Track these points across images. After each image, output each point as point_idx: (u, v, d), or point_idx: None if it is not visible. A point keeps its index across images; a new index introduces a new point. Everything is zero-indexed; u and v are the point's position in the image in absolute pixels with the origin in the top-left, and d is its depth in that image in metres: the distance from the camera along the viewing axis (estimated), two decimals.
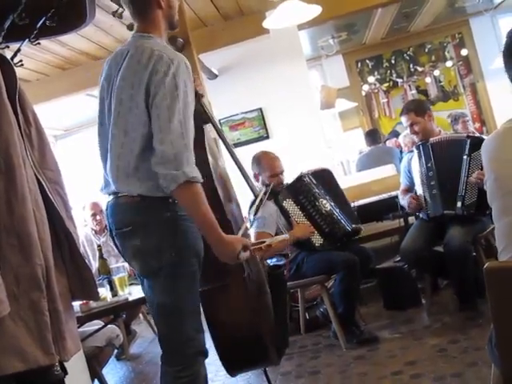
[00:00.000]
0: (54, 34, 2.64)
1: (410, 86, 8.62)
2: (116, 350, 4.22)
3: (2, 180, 1.58)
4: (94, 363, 3.32)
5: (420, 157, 4.01)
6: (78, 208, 5.04)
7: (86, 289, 1.91)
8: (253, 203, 3.86)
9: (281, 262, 3.85)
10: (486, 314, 3.59)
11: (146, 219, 2.10)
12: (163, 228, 2.10)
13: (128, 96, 2.09)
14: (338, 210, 3.95)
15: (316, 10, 4.55)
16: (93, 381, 3.34)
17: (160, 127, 2.02)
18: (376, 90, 8.66)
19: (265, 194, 3.10)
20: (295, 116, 5.98)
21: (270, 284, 2.69)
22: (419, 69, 8.61)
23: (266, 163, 4.02)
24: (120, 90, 2.11)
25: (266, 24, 4.78)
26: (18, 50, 2.50)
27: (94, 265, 4.56)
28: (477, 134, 4.00)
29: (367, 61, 8.67)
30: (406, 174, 4.25)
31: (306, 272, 3.87)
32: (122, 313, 4.41)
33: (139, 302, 3.36)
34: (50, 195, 1.77)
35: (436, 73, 8.59)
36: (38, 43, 2.51)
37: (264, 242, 2.49)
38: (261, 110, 6.16)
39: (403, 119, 4.17)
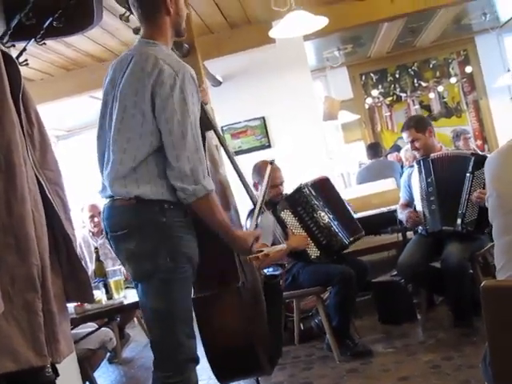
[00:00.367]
0: (60, 35, 2.66)
1: (413, 100, 8.64)
2: (109, 354, 4.21)
3: (2, 179, 1.58)
4: (86, 366, 3.30)
5: (420, 172, 4.01)
6: (76, 209, 5.04)
7: (81, 291, 1.91)
8: (251, 212, 3.87)
9: (277, 272, 3.84)
10: (480, 332, 3.58)
11: (141, 223, 2.10)
12: (159, 232, 2.10)
13: (132, 103, 2.09)
14: (336, 223, 3.94)
15: (322, 22, 4.56)
16: (84, 383, 3.32)
17: (174, 144, 2.05)
18: (379, 104, 8.68)
19: (261, 203, 3.11)
20: (298, 126, 5.98)
21: (266, 293, 2.69)
22: (423, 84, 8.64)
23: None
24: (124, 96, 2.12)
25: (272, 33, 4.79)
26: (24, 50, 2.52)
27: (91, 267, 4.55)
28: (479, 152, 3.99)
29: (371, 74, 8.70)
30: (405, 188, 4.25)
31: (302, 283, 3.86)
32: (117, 316, 4.40)
33: (134, 306, 3.34)
34: (49, 196, 1.76)
35: (440, 89, 8.62)
36: (44, 43, 2.52)
37: (262, 251, 2.48)
38: (264, 118, 6.16)
39: (404, 135, 4.18)
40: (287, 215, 3.91)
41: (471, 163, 3.78)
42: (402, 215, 4.17)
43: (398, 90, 8.68)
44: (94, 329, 3.43)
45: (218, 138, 2.66)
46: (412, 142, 4.09)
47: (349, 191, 6.17)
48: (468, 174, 3.77)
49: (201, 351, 2.25)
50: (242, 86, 6.07)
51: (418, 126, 4.06)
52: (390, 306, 4.35)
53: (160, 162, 2.11)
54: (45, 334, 1.61)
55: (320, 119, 6.58)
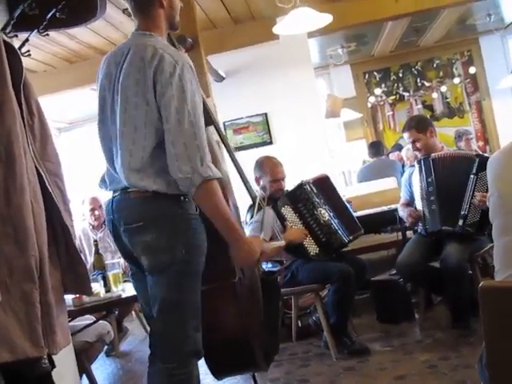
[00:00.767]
0: (63, 26, 2.65)
1: (416, 100, 8.63)
2: (106, 347, 4.22)
3: (2, 169, 1.57)
4: (83, 358, 3.31)
5: (421, 171, 4.00)
6: (77, 202, 5.04)
7: (79, 283, 1.90)
8: (250, 207, 3.87)
9: (276, 269, 3.84)
10: (477, 333, 3.58)
11: (157, 215, 2.11)
12: (175, 225, 2.12)
13: (133, 93, 2.09)
14: (336, 221, 3.93)
15: (327, 19, 4.55)
16: (81, 376, 3.33)
17: (170, 130, 2.04)
18: (382, 103, 8.67)
19: (262, 199, 3.11)
20: (300, 123, 5.98)
21: (263, 289, 2.68)
22: (426, 84, 8.63)
23: (268, 168, 4.02)
24: (125, 87, 2.12)
25: (275, 30, 4.78)
26: (26, 40, 2.51)
27: (90, 260, 4.55)
28: (480, 153, 3.98)
29: (375, 73, 8.69)
30: (406, 188, 4.25)
31: (301, 280, 3.86)
32: (115, 309, 4.40)
33: (132, 300, 3.35)
34: (48, 187, 1.76)
35: (443, 89, 8.60)
36: (47, 34, 2.51)
37: None
38: (266, 115, 6.16)
39: (405, 136, 4.18)
40: (288, 211, 3.91)
41: (475, 164, 3.77)
42: (402, 213, 4.17)
43: (401, 89, 8.67)
44: (91, 321, 3.44)
45: (219, 134, 2.66)
46: (413, 142, 4.08)
47: (350, 189, 6.17)
48: (472, 176, 3.75)
49: None
50: (244, 82, 6.07)
51: (419, 126, 4.05)
52: (389, 304, 4.35)
53: None
54: (42, 325, 1.61)
55: (322, 117, 6.58)
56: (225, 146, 2.71)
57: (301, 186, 3.95)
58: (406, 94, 8.66)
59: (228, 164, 2.83)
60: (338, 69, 8.01)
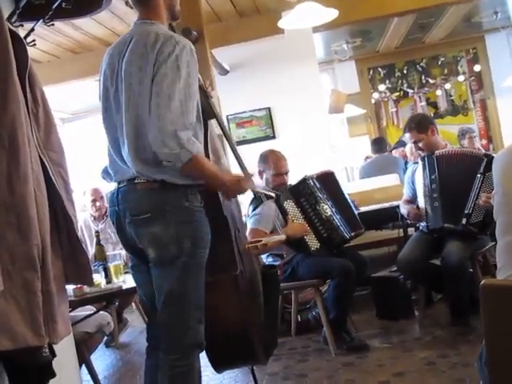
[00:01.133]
0: (68, 17, 2.65)
1: (420, 97, 8.62)
2: (106, 338, 4.23)
3: (6, 156, 1.57)
4: (83, 348, 3.32)
5: (424, 168, 4.00)
6: (79, 193, 5.04)
7: (80, 273, 1.91)
8: (252, 201, 3.87)
9: (277, 263, 3.85)
10: (477, 331, 3.59)
11: (165, 207, 2.12)
12: (182, 217, 2.13)
13: (137, 80, 2.10)
14: (338, 217, 3.93)
15: (332, 14, 4.54)
16: (80, 366, 3.34)
17: (159, 104, 2.04)
18: (386, 99, 8.66)
19: (264, 194, 3.12)
20: (303, 118, 5.98)
21: (264, 283, 2.69)
22: (431, 81, 8.61)
23: (272, 162, 4.02)
24: (128, 74, 2.12)
25: (281, 24, 4.77)
26: (32, 30, 2.51)
27: (91, 251, 4.56)
28: (488, 153, 3.97)
29: (379, 69, 8.68)
30: (409, 185, 4.24)
31: (302, 275, 3.86)
32: (115, 300, 4.41)
33: (133, 291, 3.35)
34: (52, 177, 1.76)
35: (447, 86, 8.59)
36: (52, 24, 2.52)
37: (260, 241, 2.48)
38: (269, 109, 6.16)
39: (406, 136, 4.18)
40: (290, 205, 3.91)
41: (483, 164, 3.74)
42: (403, 209, 4.17)
43: (405, 85, 8.66)
44: (92, 312, 3.44)
45: (221, 128, 2.66)
46: (415, 143, 4.08)
47: (352, 185, 6.16)
48: (479, 175, 3.73)
49: None
50: (248, 76, 6.06)
51: (420, 126, 4.04)
52: (388, 301, 4.35)
53: None
54: (43, 314, 1.62)
55: (326, 112, 6.57)
56: (227, 139, 2.71)
57: (304, 181, 3.95)
58: (410, 91, 8.64)
59: (230, 158, 2.84)
60: (342, 64, 8.00)
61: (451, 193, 3.86)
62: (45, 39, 5.05)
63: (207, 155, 2.37)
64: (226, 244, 2.35)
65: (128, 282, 3.33)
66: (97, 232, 3.95)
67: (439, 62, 8.65)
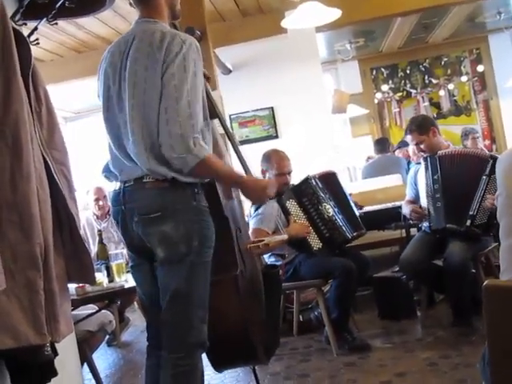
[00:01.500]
0: (72, 16, 2.65)
1: (423, 97, 8.61)
2: (108, 336, 4.23)
3: (9, 155, 1.57)
4: (85, 347, 3.32)
5: (427, 169, 3.99)
6: (81, 192, 5.04)
7: (83, 272, 1.90)
8: None
9: (278, 263, 3.85)
10: (479, 332, 3.59)
11: (175, 206, 2.12)
12: (191, 216, 2.14)
13: (142, 78, 2.09)
14: (340, 217, 3.93)
15: (335, 14, 4.54)
16: (82, 365, 3.34)
17: (167, 108, 2.04)
18: (389, 99, 8.65)
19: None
20: (306, 118, 5.97)
21: (265, 283, 2.69)
22: (434, 81, 8.60)
23: (276, 161, 4.02)
24: (133, 73, 2.11)
25: (284, 23, 4.77)
26: (35, 29, 2.51)
27: (93, 249, 4.56)
28: (494, 154, 3.96)
29: (382, 69, 8.67)
30: (411, 185, 4.24)
31: (304, 275, 3.86)
32: (117, 299, 4.41)
33: (135, 290, 3.35)
34: (55, 175, 1.76)
35: (450, 86, 8.58)
36: (56, 23, 2.52)
37: (262, 240, 2.48)
38: (272, 108, 6.16)
39: (408, 139, 4.18)
40: (292, 205, 3.91)
41: (489, 166, 3.72)
42: (406, 209, 4.16)
43: (408, 85, 8.65)
44: (94, 311, 3.44)
45: (223, 127, 2.65)
46: (417, 144, 4.07)
47: (354, 185, 6.16)
48: (484, 177, 3.71)
49: None
50: (251, 75, 6.06)
51: (421, 128, 4.03)
52: (390, 301, 4.35)
53: None
54: (45, 313, 1.62)
55: (329, 112, 6.57)
56: (229, 139, 2.71)
57: (306, 181, 3.95)
58: (413, 91, 8.63)
59: (232, 157, 2.84)
60: (345, 64, 7.99)
61: (454, 193, 3.85)
62: (48, 38, 5.06)
63: None
64: (226, 243, 2.34)
65: (130, 281, 3.32)
66: (99, 231, 3.95)
67: (442, 63, 8.64)
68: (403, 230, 4.78)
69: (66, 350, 2.53)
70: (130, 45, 2.16)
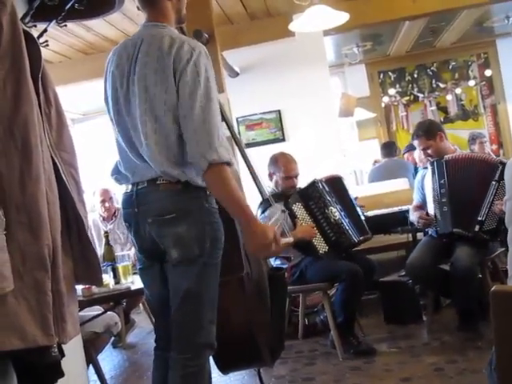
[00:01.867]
0: (81, 18, 2.66)
1: (430, 101, 8.59)
2: (113, 338, 4.24)
3: (18, 157, 1.58)
4: (91, 349, 3.33)
5: (433, 173, 3.98)
6: (88, 193, 5.06)
7: (90, 273, 1.91)
8: (261, 203, 3.87)
9: (284, 266, 3.85)
10: (485, 337, 3.58)
11: (189, 207, 2.13)
12: (204, 217, 2.14)
13: (152, 82, 2.10)
14: (347, 220, 3.92)
15: (343, 17, 4.54)
16: (88, 366, 3.35)
17: (185, 116, 2.06)
18: (396, 103, 8.64)
19: (271, 196, 3.11)
20: (313, 121, 5.97)
21: (271, 285, 2.69)
22: (441, 85, 8.59)
23: (283, 164, 4.03)
24: (143, 77, 2.12)
25: (292, 27, 4.78)
26: (45, 31, 2.52)
27: (100, 251, 4.57)
28: (504, 160, 3.95)
29: (390, 73, 8.66)
30: (418, 190, 4.23)
31: (310, 278, 3.86)
32: (123, 301, 4.42)
33: (141, 292, 3.36)
34: (63, 177, 1.76)
35: (458, 91, 8.56)
36: (65, 25, 2.53)
37: None
38: (279, 111, 6.16)
39: (415, 143, 4.18)
40: (299, 208, 3.91)
41: (498, 171, 3.71)
42: (413, 216, 4.15)
43: (415, 90, 8.64)
44: (99, 312, 3.45)
45: (230, 130, 2.66)
46: (424, 149, 4.07)
47: (361, 189, 6.15)
48: (494, 182, 3.70)
49: None
50: (259, 78, 6.07)
51: (428, 133, 4.03)
52: (396, 305, 4.34)
53: None
54: (53, 314, 1.62)
55: (336, 115, 6.56)
56: (235, 142, 2.72)
57: (313, 184, 3.95)
58: (420, 95, 8.62)
59: (239, 160, 2.84)
60: (352, 68, 7.99)
61: (461, 198, 3.84)
62: (56, 40, 5.08)
63: None
64: (233, 245, 2.35)
65: (136, 282, 3.34)
66: (106, 232, 3.96)
67: (450, 67, 8.63)
68: (410, 234, 4.78)
69: (72, 351, 2.54)
70: (139, 48, 2.17)
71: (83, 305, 3.12)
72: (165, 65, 2.08)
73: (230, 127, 2.65)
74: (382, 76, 8.67)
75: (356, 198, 4.20)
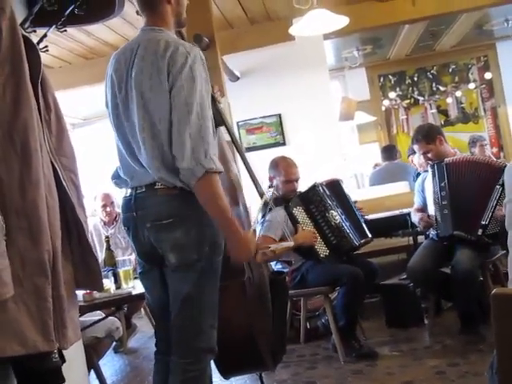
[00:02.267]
0: (81, 23, 2.66)
1: (430, 104, 8.60)
2: (114, 343, 4.23)
3: (18, 163, 1.58)
4: (92, 354, 3.31)
5: (434, 176, 3.98)
6: (89, 198, 5.06)
7: (91, 278, 1.91)
8: (262, 207, 3.86)
9: (285, 270, 3.84)
10: (487, 340, 3.57)
11: (186, 212, 2.13)
12: (202, 222, 2.13)
13: (148, 87, 2.10)
14: (347, 224, 3.92)
15: (343, 21, 4.54)
16: (89, 371, 3.34)
17: (179, 120, 2.04)
18: (396, 106, 8.65)
19: (271, 200, 3.11)
20: (313, 125, 5.98)
21: (272, 289, 2.69)
22: (441, 88, 8.60)
23: (283, 168, 4.02)
24: (139, 82, 2.12)
25: (292, 31, 4.78)
26: (45, 36, 2.52)
27: (101, 256, 4.56)
28: (499, 161, 3.95)
29: (390, 76, 8.67)
30: (419, 193, 4.23)
31: (311, 282, 3.86)
32: (124, 306, 4.41)
33: (142, 297, 3.35)
34: (63, 182, 1.77)
35: (458, 94, 8.56)
36: (65, 30, 2.53)
37: (269, 247, 2.48)
38: (280, 115, 6.16)
39: (415, 148, 4.18)
40: (299, 212, 3.91)
41: (503, 176, 3.70)
42: (414, 217, 4.16)
43: (415, 93, 8.64)
44: (101, 317, 3.45)
45: (230, 134, 2.65)
46: (424, 154, 4.07)
47: (362, 192, 6.15)
48: (498, 187, 3.68)
49: None
50: (259, 82, 6.07)
51: (427, 138, 4.03)
52: (398, 309, 4.34)
53: None
54: (53, 319, 1.62)
55: (336, 119, 6.57)
56: (235, 146, 2.72)
57: (314, 188, 3.94)
58: (420, 99, 8.63)
59: (239, 164, 2.84)
60: (352, 71, 7.99)
61: (462, 201, 3.83)
62: (57, 45, 5.09)
63: None
64: None
65: (137, 287, 3.33)
66: (107, 237, 3.96)
67: (450, 70, 8.63)
68: (411, 238, 4.77)
69: (73, 356, 2.53)
70: (136, 53, 2.17)
71: (84, 310, 3.11)
72: (159, 69, 2.07)
73: (229, 131, 2.64)
74: (382, 79, 8.68)
75: (355, 202, 4.20)
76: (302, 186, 4.06)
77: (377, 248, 4.84)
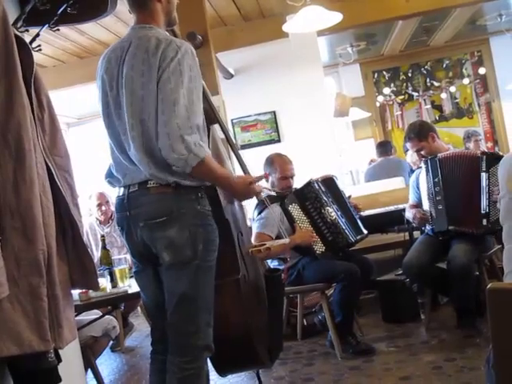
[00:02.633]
0: (74, 22, 2.66)
1: (425, 100, 8.60)
2: (111, 342, 4.23)
3: (12, 163, 1.58)
4: (89, 353, 3.32)
5: (427, 171, 3.99)
6: (84, 197, 5.05)
7: (86, 278, 1.91)
8: (257, 205, 3.87)
9: (281, 267, 3.84)
10: (484, 334, 3.58)
11: (180, 210, 2.13)
12: (196, 220, 2.15)
13: (139, 85, 2.10)
14: (343, 220, 3.92)
15: (337, 18, 4.54)
16: (86, 370, 3.34)
17: (164, 110, 2.05)
18: (391, 102, 8.65)
19: (266, 198, 3.11)
20: (308, 121, 5.97)
21: (267, 286, 2.69)
22: (435, 84, 8.60)
23: (278, 165, 4.02)
24: (130, 80, 2.12)
25: (285, 28, 4.78)
26: (37, 35, 2.51)
27: (97, 255, 4.56)
28: (484, 150, 3.97)
29: (384, 72, 8.67)
30: (414, 189, 4.24)
31: (307, 279, 3.86)
32: (121, 305, 4.41)
33: (138, 295, 3.35)
34: (57, 182, 1.77)
35: (452, 89, 8.57)
36: (58, 29, 2.52)
37: (264, 244, 2.48)
38: (274, 112, 6.16)
39: (408, 146, 4.19)
40: (295, 209, 3.91)
41: (483, 162, 3.74)
42: (409, 213, 4.16)
43: (410, 88, 8.65)
44: (97, 316, 3.45)
45: (223, 132, 2.65)
46: (417, 151, 4.08)
47: (357, 188, 6.16)
48: (483, 173, 3.73)
49: None
50: (253, 80, 6.07)
51: (420, 135, 4.04)
52: (394, 304, 4.34)
53: None
54: (49, 319, 1.62)
55: (331, 115, 6.57)
56: (229, 144, 2.71)
57: (309, 184, 3.94)
58: (415, 94, 8.63)
59: (233, 162, 2.83)
60: (347, 68, 7.99)
61: (456, 195, 3.85)
62: (50, 44, 5.07)
63: None
64: (228, 247, 2.35)
65: (133, 286, 3.32)
66: (102, 236, 3.95)
67: (444, 65, 8.64)
68: (406, 233, 4.78)
69: (70, 355, 2.53)
70: (126, 51, 2.17)
71: (80, 309, 3.11)
72: (151, 66, 2.08)
73: (224, 129, 2.64)
74: (376, 75, 8.68)
75: (349, 197, 4.20)
76: (298, 183, 4.06)
77: (373, 244, 4.85)
